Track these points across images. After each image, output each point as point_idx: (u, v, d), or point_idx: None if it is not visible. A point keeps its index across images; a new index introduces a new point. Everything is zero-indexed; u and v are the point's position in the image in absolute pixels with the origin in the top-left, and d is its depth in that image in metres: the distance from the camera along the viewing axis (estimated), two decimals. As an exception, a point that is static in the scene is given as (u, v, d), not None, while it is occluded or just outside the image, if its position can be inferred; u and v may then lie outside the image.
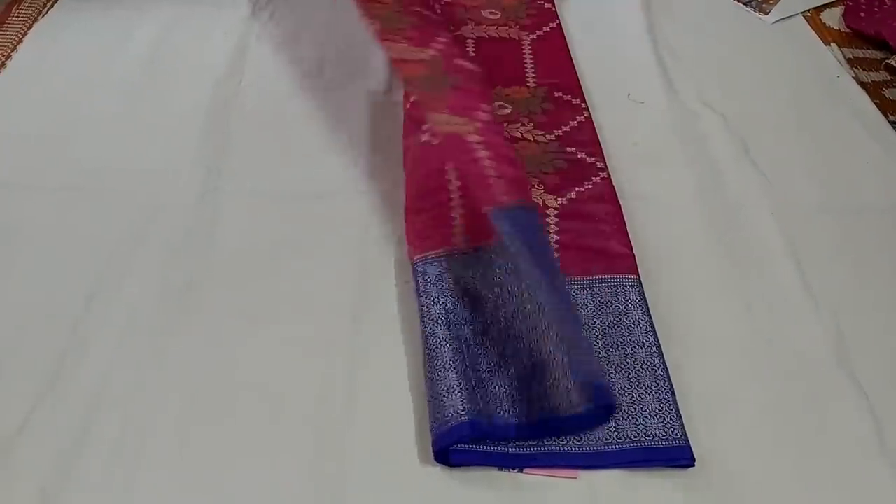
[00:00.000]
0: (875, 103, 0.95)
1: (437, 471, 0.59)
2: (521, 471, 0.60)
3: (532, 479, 0.59)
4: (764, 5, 1.12)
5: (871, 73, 1.01)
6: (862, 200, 0.82)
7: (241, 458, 0.59)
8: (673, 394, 0.63)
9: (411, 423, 0.62)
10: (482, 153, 0.72)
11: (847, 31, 1.09)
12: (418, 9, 0.87)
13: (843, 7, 1.12)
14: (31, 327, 0.67)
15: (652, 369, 0.65)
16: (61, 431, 0.60)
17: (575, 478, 0.59)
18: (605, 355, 0.66)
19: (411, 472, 0.59)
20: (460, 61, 0.82)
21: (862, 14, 1.10)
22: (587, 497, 0.58)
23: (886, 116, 0.93)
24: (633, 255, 0.73)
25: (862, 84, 0.98)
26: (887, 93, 0.97)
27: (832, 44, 1.05)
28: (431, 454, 0.59)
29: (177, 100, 0.91)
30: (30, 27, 1.02)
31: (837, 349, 0.67)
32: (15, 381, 0.63)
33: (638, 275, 0.71)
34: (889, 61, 1.01)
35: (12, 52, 0.98)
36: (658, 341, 0.66)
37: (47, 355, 0.65)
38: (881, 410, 0.63)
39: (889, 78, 1.00)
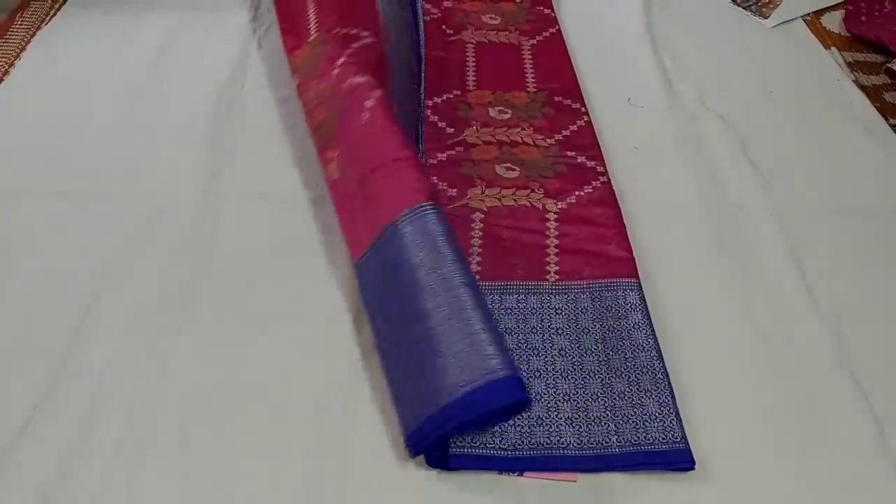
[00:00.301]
0: (875, 106, 0.95)
1: (436, 474, 0.59)
2: (521, 474, 0.60)
3: (532, 483, 0.59)
4: (763, 9, 1.12)
5: (871, 77, 1.01)
6: (862, 202, 0.82)
7: (241, 459, 0.59)
8: (673, 397, 0.63)
9: (411, 426, 0.61)
10: (335, 200, 0.74)
11: (847, 34, 1.09)
12: (338, 29, 0.88)
13: (843, 11, 1.12)
14: (33, 329, 0.68)
15: (652, 373, 0.64)
16: (63, 432, 0.60)
17: (575, 481, 0.59)
18: (605, 359, 0.66)
19: (411, 475, 0.59)
20: (349, 80, 0.80)
21: (863, 18, 1.10)
22: (588, 500, 0.58)
23: (887, 119, 0.93)
24: (633, 259, 0.73)
25: (862, 87, 0.98)
26: (887, 96, 0.97)
27: (832, 47, 1.06)
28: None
29: (179, 105, 0.91)
30: (33, 35, 1.03)
31: (838, 350, 0.67)
32: (17, 382, 0.64)
33: (638, 278, 0.71)
34: (889, 65, 1.01)
35: (16, 59, 0.98)
36: (658, 345, 0.66)
37: (49, 357, 0.65)
38: (882, 412, 0.63)
39: (889, 81, 1.00)
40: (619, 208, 0.79)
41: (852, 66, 1.02)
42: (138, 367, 0.65)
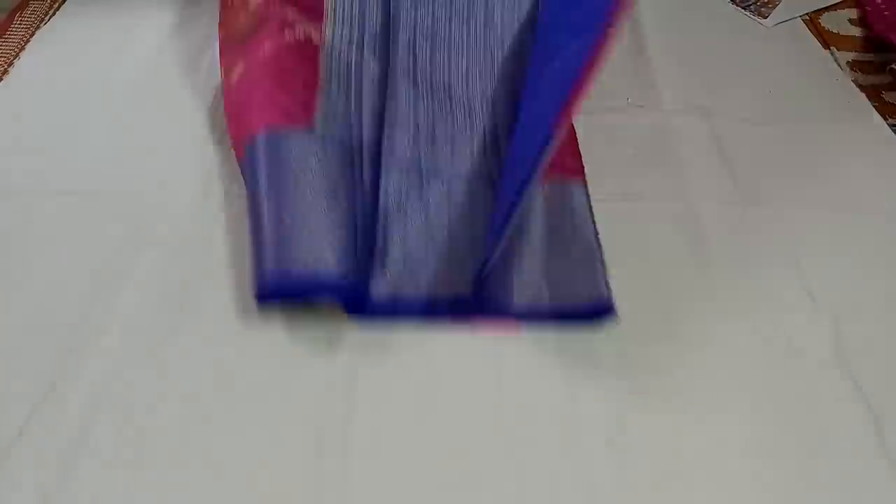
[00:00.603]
0: (874, 106, 0.95)
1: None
2: (456, 320, 0.67)
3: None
4: (763, 9, 1.12)
5: (870, 77, 1.01)
6: (861, 202, 0.82)
7: (241, 459, 0.59)
8: (602, 262, 0.70)
9: (412, 418, 0.62)
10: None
11: (847, 34, 1.09)
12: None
13: (844, 11, 1.12)
14: (30, 330, 0.68)
15: (587, 244, 0.72)
16: (61, 434, 0.60)
17: (517, 334, 0.67)
18: (549, 244, 0.73)
19: (413, 474, 0.59)
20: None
21: (885, 13, 1.09)
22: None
23: (885, 119, 0.93)
24: (583, 166, 0.80)
25: (861, 87, 0.98)
26: (886, 96, 0.98)
27: (831, 47, 1.06)
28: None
29: (179, 104, 0.91)
30: (32, 34, 1.03)
31: (836, 350, 0.67)
32: (14, 384, 0.64)
33: (584, 178, 0.79)
34: (894, 66, 1.01)
35: (15, 58, 0.98)
36: (595, 227, 0.73)
37: (47, 358, 0.65)
38: (881, 412, 0.63)
39: (890, 80, 1.00)
40: (573, 123, 0.85)
41: (852, 66, 1.02)
42: (139, 366, 0.65)
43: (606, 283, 0.69)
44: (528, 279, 0.70)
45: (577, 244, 0.72)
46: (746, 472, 0.60)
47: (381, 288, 0.69)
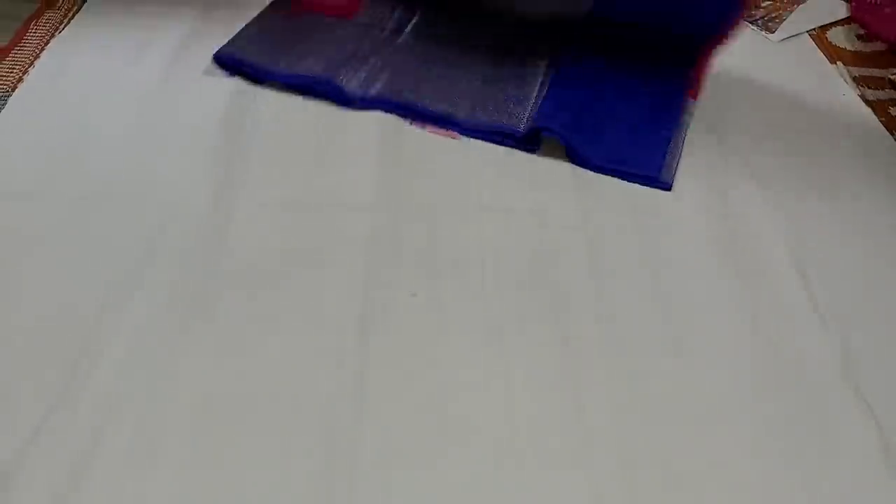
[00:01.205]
0: (881, 121, 0.96)
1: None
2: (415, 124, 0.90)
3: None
4: (770, 24, 1.13)
5: (877, 92, 1.01)
6: (868, 215, 0.83)
7: (251, 465, 0.60)
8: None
9: (419, 426, 0.62)
10: None
11: (854, 49, 1.09)
12: None
13: (852, 26, 1.13)
14: (43, 336, 0.68)
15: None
16: (73, 438, 0.61)
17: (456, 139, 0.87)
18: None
19: (418, 476, 0.59)
20: None
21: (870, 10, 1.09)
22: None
23: (892, 134, 0.94)
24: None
25: (868, 102, 0.99)
26: (893, 111, 0.98)
27: (838, 62, 1.06)
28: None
29: (192, 113, 0.92)
30: (47, 42, 1.04)
31: (843, 362, 0.68)
32: (27, 389, 0.64)
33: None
34: (892, 77, 1.02)
35: (30, 66, 0.99)
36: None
37: (59, 364, 0.66)
38: (887, 424, 0.63)
39: (895, 95, 1.00)
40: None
41: (858, 81, 1.03)
42: (149, 372, 0.65)
43: (527, 108, 0.89)
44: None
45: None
46: (753, 478, 0.60)
47: (367, 89, 0.94)
